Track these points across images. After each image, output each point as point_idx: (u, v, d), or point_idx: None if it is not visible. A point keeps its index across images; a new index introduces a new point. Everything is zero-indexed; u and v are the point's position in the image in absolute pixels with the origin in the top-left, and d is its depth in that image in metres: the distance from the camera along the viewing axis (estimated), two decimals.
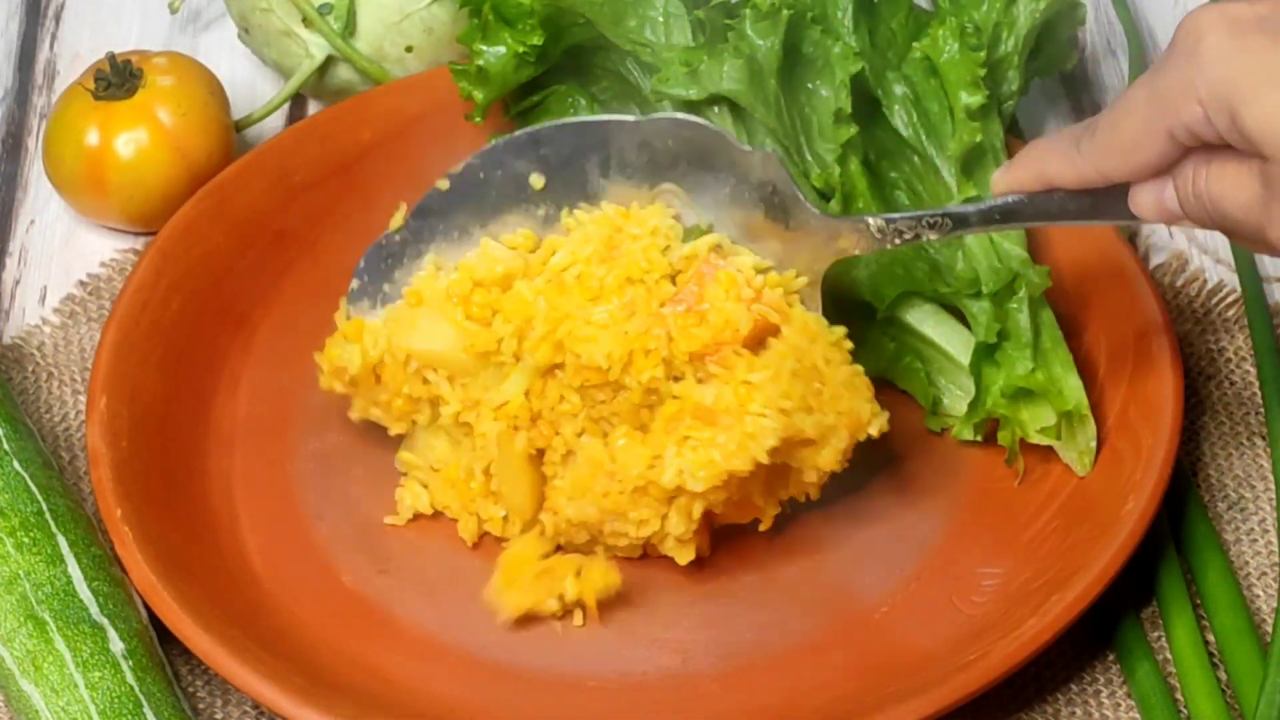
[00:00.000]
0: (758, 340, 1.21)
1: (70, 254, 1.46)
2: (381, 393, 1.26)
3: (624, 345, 1.19)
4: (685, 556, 1.22)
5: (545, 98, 1.40)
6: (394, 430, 1.28)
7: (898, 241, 1.20)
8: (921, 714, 1.13)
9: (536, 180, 1.27)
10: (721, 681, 1.19)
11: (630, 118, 1.26)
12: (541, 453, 1.23)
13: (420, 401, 1.25)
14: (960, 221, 1.19)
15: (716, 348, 1.20)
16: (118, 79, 1.41)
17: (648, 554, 1.24)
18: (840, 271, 1.30)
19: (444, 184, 1.28)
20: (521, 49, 1.35)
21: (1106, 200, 1.12)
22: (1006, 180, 1.16)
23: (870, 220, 1.21)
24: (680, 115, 1.26)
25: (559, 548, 1.24)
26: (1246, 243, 1.07)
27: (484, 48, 1.36)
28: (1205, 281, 1.42)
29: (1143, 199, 1.10)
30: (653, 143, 1.25)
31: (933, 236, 1.20)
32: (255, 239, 1.38)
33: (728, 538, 1.25)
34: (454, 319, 1.23)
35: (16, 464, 1.23)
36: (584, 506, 1.21)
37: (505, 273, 1.24)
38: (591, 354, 1.19)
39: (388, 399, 1.26)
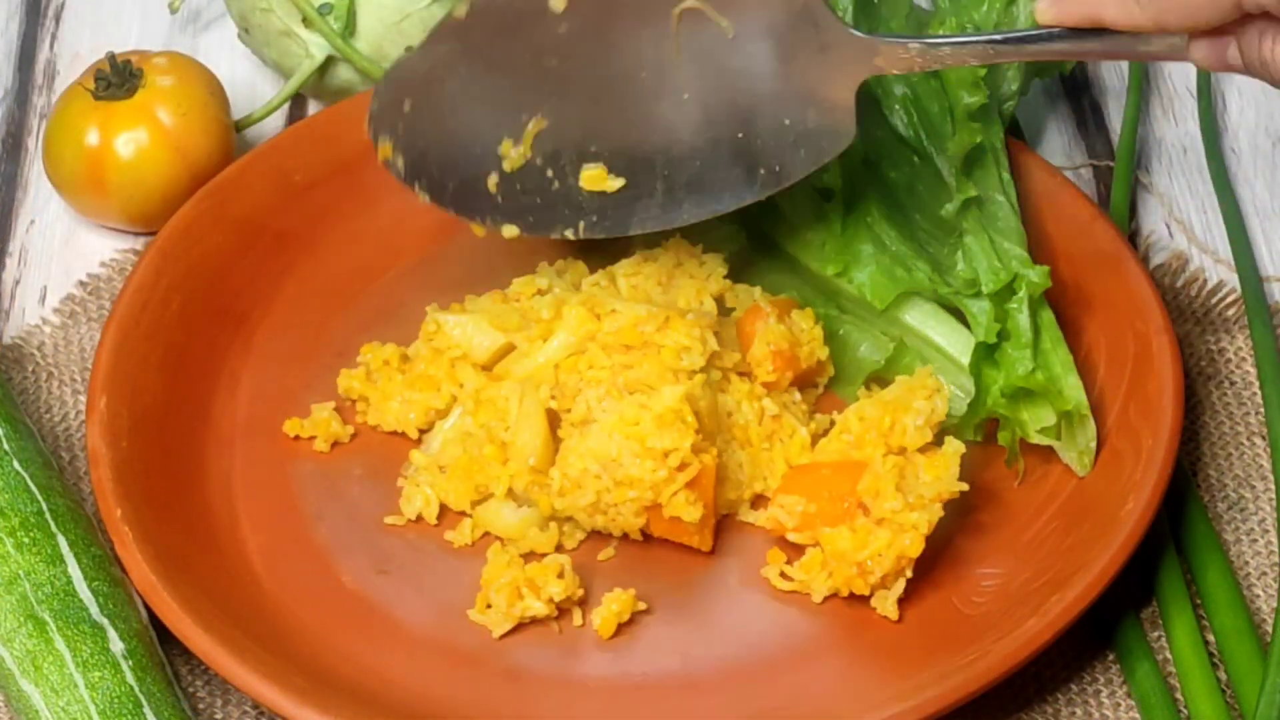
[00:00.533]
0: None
1: (70, 254, 1.46)
2: (408, 389, 1.28)
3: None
4: (703, 541, 1.23)
5: None
6: (414, 431, 1.29)
7: (935, 64, 1.18)
8: (921, 714, 1.13)
9: (558, 2, 1.24)
10: (721, 682, 1.19)
11: None
12: (557, 422, 1.25)
13: (444, 394, 1.28)
14: (999, 45, 1.16)
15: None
16: (118, 79, 1.41)
17: (648, 535, 1.24)
18: (841, 270, 1.30)
19: (461, 10, 1.24)
20: None
21: (1155, 41, 1.11)
22: (1054, 12, 1.13)
23: (910, 43, 1.18)
24: None
25: (554, 548, 1.25)
26: None
27: None
28: (1205, 281, 1.42)
29: (1202, 52, 1.09)
30: None
31: (973, 61, 1.17)
32: (255, 239, 1.38)
33: (728, 536, 1.25)
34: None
35: (16, 464, 1.23)
36: (595, 463, 1.22)
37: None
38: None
39: (413, 397, 1.28)
